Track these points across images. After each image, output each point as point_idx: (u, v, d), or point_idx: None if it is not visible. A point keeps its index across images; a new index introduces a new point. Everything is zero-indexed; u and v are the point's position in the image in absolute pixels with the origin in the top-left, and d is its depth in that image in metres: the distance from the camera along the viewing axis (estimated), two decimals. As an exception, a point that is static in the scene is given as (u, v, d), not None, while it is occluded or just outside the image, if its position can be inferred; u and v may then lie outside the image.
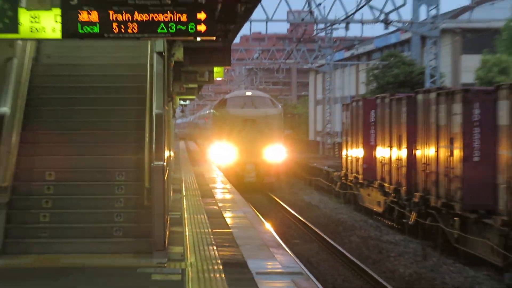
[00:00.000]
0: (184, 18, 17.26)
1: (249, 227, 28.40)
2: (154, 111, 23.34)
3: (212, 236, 25.28)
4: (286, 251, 24.03)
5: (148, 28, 17.38)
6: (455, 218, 33.08)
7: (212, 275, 19.06)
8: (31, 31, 19.02)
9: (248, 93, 59.00)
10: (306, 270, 21.32)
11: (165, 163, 22.24)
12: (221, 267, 20.16)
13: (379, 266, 31.50)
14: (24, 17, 18.39)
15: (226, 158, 53.65)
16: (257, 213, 33.68)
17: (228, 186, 44.42)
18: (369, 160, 47.55)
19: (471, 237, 31.54)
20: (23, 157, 22.86)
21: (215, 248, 23.04)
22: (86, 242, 21.33)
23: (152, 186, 21.33)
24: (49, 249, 21.08)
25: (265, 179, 53.44)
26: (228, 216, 30.99)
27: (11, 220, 21.54)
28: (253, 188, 49.44)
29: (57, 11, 18.02)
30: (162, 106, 24.29)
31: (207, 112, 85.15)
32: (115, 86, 25.31)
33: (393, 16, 67.14)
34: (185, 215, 29.07)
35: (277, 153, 53.85)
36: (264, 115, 54.23)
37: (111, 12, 17.22)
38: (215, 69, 44.45)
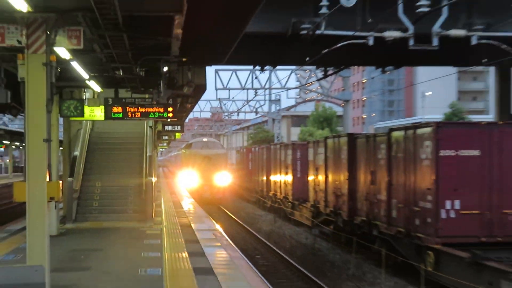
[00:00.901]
0: (162, 110, 17.21)
1: (193, 208, 28.50)
2: (147, 154, 23.52)
3: (175, 212, 25.36)
4: (211, 219, 24.23)
5: (145, 115, 17.35)
6: (289, 203, 33.38)
7: (175, 230, 19.18)
8: (90, 116, 19.00)
9: (205, 139, 51.06)
10: (219, 227, 21.49)
11: (152, 179, 22.42)
12: (179, 227, 20.25)
13: (253, 226, 31.51)
14: (86, 109, 18.37)
15: (190, 181, 46.15)
16: (197, 203, 33.49)
17: (185, 190, 42.58)
18: (249, 178, 47.24)
19: (296, 212, 31.85)
20: (85, 175, 22.73)
21: (176, 218, 23.12)
22: (115, 215, 21.18)
23: (146, 189, 21.40)
24: (97, 219, 20.96)
25: (216, 195, 45.20)
26: (183, 203, 31.02)
27: (79, 205, 21.45)
28: (208, 201, 42.54)
29: (102, 107, 18.04)
30: (152, 151, 24.48)
31: (176, 152, 78.51)
32: (129, 142, 25.11)
33: (259, 110, 67.93)
34: (163, 202, 29.03)
35: (224, 179, 46.06)
36: (215, 154, 46.86)
37: (127, 107, 17.23)
38: (177, 134, 44.52)
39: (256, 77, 49.51)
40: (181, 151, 53.84)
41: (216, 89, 49.62)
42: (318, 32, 21.16)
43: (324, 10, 20.60)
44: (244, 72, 49.82)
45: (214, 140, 54.18)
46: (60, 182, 12.12)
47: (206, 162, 45.48)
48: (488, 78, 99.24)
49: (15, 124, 60.90)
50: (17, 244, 15.83)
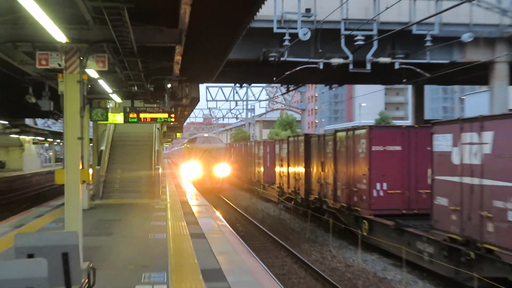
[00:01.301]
0: (166, 116, 17.12)
1: (191, 190, 28.30)
2: (155, 149, 23.30)
3: (176, 192, 25.19)
4: (203, 198, 24.10)
5: (154, 120, 17.22)
6: (261, 185, 33.35)
7: (176, 206, 19.06)
8: (112, 120, 18.67)
9: (206, 135, 43.57)
10: (209, 203, 21.42)
11: (159, 168, 22.23)
12: (179, 202, 20.16)
13: (235, 202, 31.48)
14: (110, 115, 18.18)
15: (193, 172, 39.65)
16: (194, 186, 33.10)
17: (183, 176, 40.61)
18: (231, 167, 46.53)
19: (267, 192, 31.84)
20: (109, 164, 22.44)
21: (178, 196, 23.01)
22: (132, 195, 20.90)
23: (154, 175, 21.26)
24: (118, 197, 20.70)
25: (216, 185, 38.71)
26: (183, 186, 30.78)
27: (104, 187, 21.18)
28: (209, 191, 37.19)
29: (122, 113, 17.83)
30: (159, 147, 24.25)
31: (179, 147, 71.57)
32: (142, 139, 24.84)
33: (239, 116, 67.66)
34: (167, 185, 28.82)
35: (223, 170, 39.26)
36: (216, 148, 40.07)
37: (140, 114, 17.08)
38: (177, 133, 44.15)
39: (236, 92, 49.91)
40: (184, 145, 47.89)
41: (207, 100, 49.88)
42: (282, 59, 21.30)
43: (286, 43, 20.76)
44: (227, 88, 49.83)
45: (214, 135, 47.35)
46: (90, 169, 12.03)
47: (206, 155, 39.77)
48: (407, 93, 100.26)
49: (56, 126, 60.18)
50: (58, 215, 15.72)
